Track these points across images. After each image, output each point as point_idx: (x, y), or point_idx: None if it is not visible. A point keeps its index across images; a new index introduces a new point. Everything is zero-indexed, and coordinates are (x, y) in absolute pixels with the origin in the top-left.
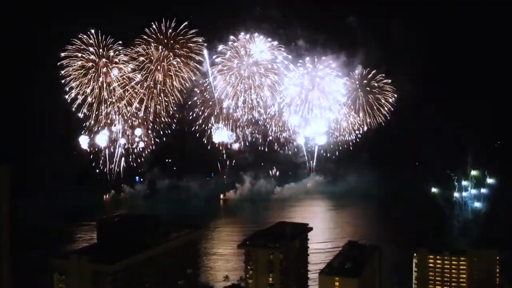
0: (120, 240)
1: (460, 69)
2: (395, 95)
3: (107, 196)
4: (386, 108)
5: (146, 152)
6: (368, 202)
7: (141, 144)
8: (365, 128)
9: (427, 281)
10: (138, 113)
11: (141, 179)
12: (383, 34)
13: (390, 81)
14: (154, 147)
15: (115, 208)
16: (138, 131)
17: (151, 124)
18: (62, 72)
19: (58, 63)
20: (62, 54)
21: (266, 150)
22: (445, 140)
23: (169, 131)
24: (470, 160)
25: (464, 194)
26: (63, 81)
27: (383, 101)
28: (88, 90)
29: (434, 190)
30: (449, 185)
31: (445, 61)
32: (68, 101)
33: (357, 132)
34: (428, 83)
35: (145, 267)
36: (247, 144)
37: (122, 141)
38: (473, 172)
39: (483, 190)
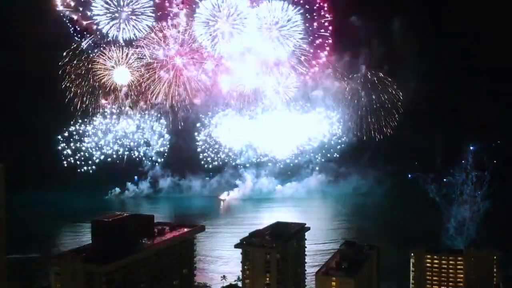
0: (114, 240)
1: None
2: (399, 96)
3: (111, 194)
4: (388, 110)
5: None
6: (368, 202)
7: None
8: (368, 129)
9: (424, 281)
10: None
11: (140, 178)
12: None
13: (395, 86)
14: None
15: (118, 207)
16: None
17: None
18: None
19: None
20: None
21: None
22: (445, 140)
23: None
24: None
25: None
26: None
27: (387, 104)
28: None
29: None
30: (436, 169)
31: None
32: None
33: (359, 133)
34: (428, 84)
35: (139, 267)
36: None
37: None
38: (472, 147)
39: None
